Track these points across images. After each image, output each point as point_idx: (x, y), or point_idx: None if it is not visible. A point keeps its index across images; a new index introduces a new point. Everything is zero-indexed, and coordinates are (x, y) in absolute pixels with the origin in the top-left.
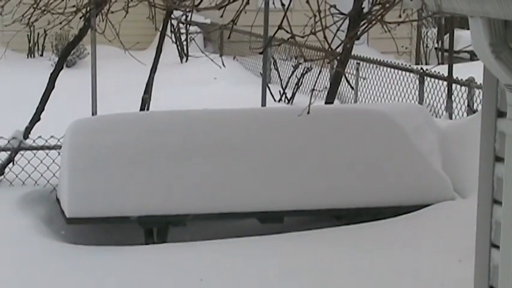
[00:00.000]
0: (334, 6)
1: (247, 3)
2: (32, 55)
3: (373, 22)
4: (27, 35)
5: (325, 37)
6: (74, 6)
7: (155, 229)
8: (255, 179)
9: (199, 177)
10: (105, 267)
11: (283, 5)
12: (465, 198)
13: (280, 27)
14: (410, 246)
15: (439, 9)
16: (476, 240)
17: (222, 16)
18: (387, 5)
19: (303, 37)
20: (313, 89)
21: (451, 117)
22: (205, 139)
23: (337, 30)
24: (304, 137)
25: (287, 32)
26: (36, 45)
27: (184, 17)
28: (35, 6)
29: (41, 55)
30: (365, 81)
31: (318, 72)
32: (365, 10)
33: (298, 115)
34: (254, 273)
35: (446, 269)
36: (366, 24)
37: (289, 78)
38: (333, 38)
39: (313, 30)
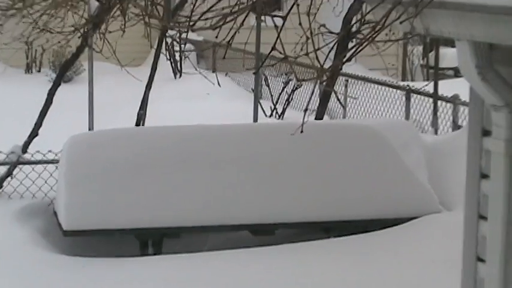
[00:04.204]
0: (324, 25)
1: (242, 24)
2: (30, 71)
3: (364, 44)
4: (25, 51)
5: (317, 57)
6: (72, 26)
7: (150, 241)
8: (247, 192)
9: (193, 190)
10: (101, 278)
11: (276, 26)
12: (450, 211)
13: (273, 48)
14: (398, 258)
15: (427, 32)
16: (462, 254)
17: (217, 36)
18: (377, 28)
19: (295, 58)
20: (306, 109)
21: (436, 133)
22: (199, 154)
23: (329, 51)
24: (295, 151)
25: (280, 52)
26: (34, 61)
27: (178, 35)
28: (34, 25)
29: (39, 71)
30: (354, 97)
31: (312, 90)
32: (353, 29)
33: (291, 134)
34: (246, 285)
35: (434, 280)
36: (356, 47)
37: (280, 94)
38: (326, 58)
39: (303, 49)
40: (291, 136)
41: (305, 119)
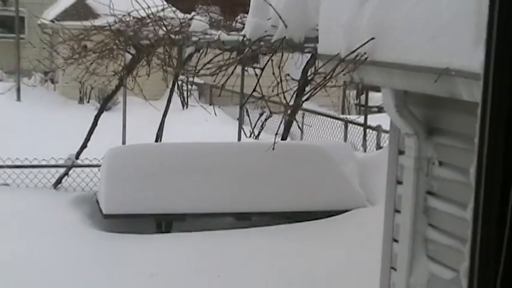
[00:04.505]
0: (289, 74)
1: (232, 73)
2: (82, 102)
3: (317, 89)
4: (79, 88)
5: (284, 97)
6: (112, 71)
7: (163, 223)
8: (232, 189)
9: (194, 188)
10: (130, 247)
11: (256, 74)
12: (374, 205)
13: (254, 89)
14: (336, 238)
15: (362, 81)
16: (383, 236)
17: (214, 81)
18: (327, 77)
19: (268, 97)
20: (276, 133)
21: (365, 151)
22: (199, 162)
23: (293, 93)
24: (266, 162)
25: (258, 92)
26: (85, 95)
27: (186, 79)
28: (86, 70)
29: (88, 102)
30: (309, 125)
31: (281, 120)
32: (309, 77)
33: (266, 150)
34: (229, 255)
35: (361, 255)
36: (312, 90)
37: (256, 121)
38: (290, 98)
39: (274, 90)
40: (264, 151)
41: (275, 140)
